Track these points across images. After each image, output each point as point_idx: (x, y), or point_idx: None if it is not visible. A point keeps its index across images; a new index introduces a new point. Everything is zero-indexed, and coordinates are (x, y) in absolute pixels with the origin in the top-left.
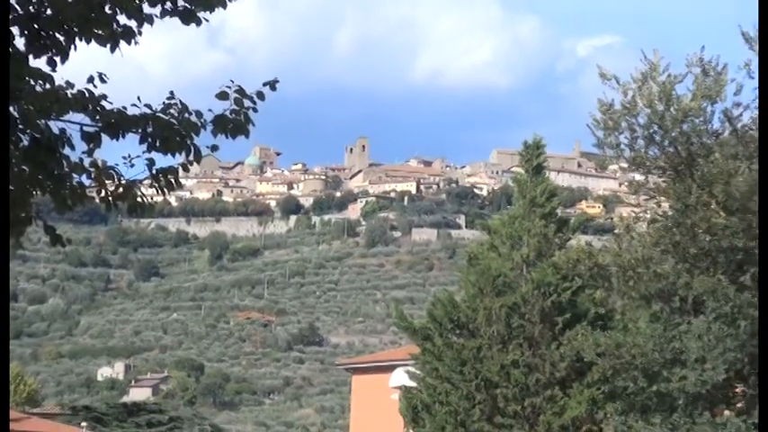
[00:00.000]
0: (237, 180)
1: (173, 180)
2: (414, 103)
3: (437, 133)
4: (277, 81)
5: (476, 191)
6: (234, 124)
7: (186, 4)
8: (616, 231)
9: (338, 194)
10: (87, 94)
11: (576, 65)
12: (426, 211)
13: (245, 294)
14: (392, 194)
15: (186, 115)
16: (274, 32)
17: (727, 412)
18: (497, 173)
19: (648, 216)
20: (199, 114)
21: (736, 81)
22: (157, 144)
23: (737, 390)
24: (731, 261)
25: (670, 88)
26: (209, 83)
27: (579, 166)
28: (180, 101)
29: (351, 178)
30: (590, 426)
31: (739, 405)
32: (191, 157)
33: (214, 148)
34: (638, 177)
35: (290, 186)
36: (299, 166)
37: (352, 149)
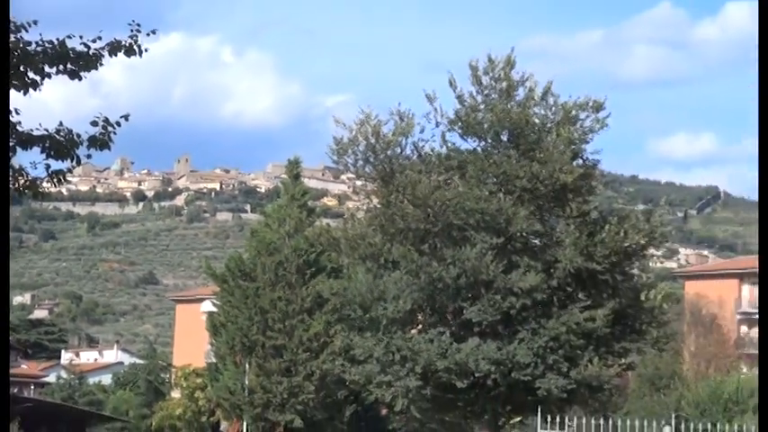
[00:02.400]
0: (106, 178)
1: (62, 178)
2: (221, 133)
3: (235, 152)
4: (129, 115)
5: (257, 189)
6: (101, 142)
7: (72, 67)
8: (345, 217)
9: (170, 189)
10: None
11: (324, 112)
12: (226, 201)
13: (109, 252)
14: (204, 190)
15: (71, 136)
16: (133, 85)
17: (414, 331)
18: (272, 178)
19: (365, 208)
20: (78, 135)
21: (421, 124)
22: (52, 154)
23: (419, 317)
24: (416, 237)
25: (378, 128)
26: (90, 115)
27: (323, 174)
28: (67, 127)
29: (178, 179)
30: (326, 338)
31: (419, 327)
32: (74, 163)
33: (89, 156)
34: (359, 183)
35: (140, 183)
36: (146, 171)
37: (179, 160)
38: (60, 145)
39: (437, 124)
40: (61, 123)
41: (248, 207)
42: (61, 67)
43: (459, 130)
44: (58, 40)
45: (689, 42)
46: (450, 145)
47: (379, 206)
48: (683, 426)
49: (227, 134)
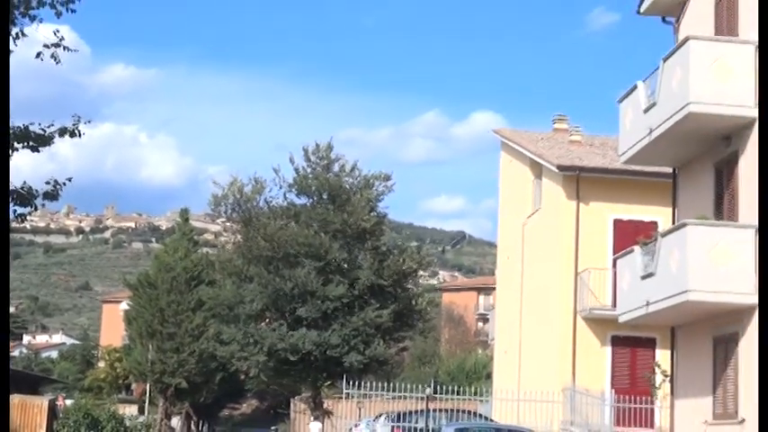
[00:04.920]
0: (57, 218)
1: (24, 218)
2: (138, 189)
3: (146, 202)
4: (72, 177)
5: (160, 228)
6: (52, 196)
7: (33, 144)
8: (218, 247)
9: (101, 227)
10: None
11: (208, 176)
12: (139, 235)
13: (58, 268)
14: (124, 227)
15: (31, 191)
16: (79, 155)
17: (263, 323)
18: (170, 220)
19: (232, 241)
20: (36, 191)
21: (270, 186)
22: (18, 203)
23: (267, 314)
24: (265, 261)
25: (242, 188)
26: (48, 175)
27: (205, 218)
28: (29, 184)
29: (107, 220)
30: (203, 328)
31: (267, 320)
32: (33, 209)
33: (43, 205)
34: (229, 225)
35: (80, 222)
36: (85, 213)
37: (108, 207)
38: (23, 197)
39: (281, 187)
40: (25, 182)
41: (154, 240)
42: (25, 143)
43: (296, 191)
44: (23, 125)
45: (448, 137)
46: (289, 201)
47: (241, 240)
48: (439, 387)
49: (141, 190)
